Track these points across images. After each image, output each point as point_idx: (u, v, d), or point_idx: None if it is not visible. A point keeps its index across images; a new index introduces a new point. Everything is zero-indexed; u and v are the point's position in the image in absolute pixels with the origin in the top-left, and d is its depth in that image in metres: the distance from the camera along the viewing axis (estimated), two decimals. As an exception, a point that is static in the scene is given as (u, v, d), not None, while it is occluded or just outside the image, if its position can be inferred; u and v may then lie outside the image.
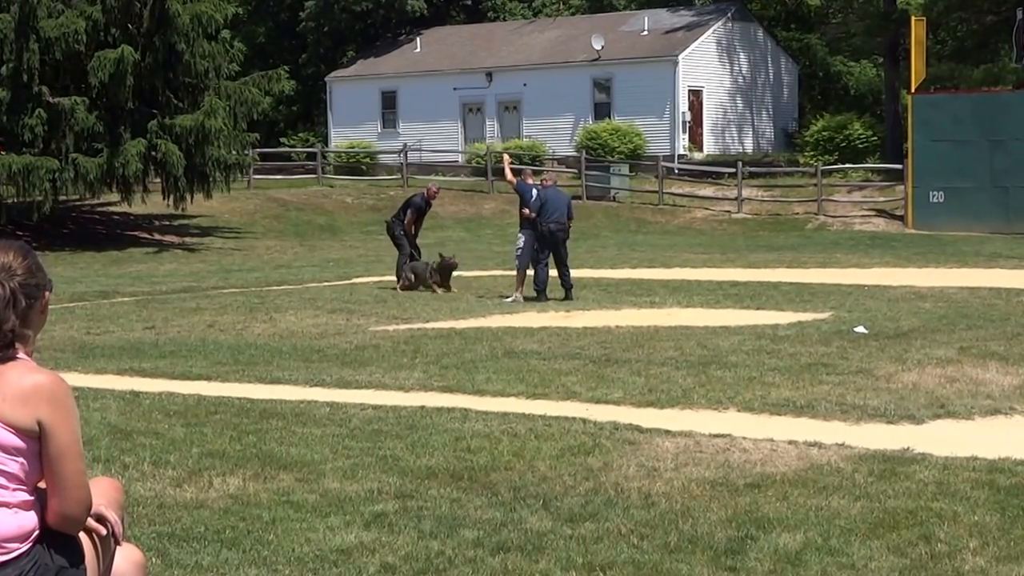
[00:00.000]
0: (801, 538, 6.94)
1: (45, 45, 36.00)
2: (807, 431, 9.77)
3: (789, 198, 46.04)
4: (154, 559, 6.60)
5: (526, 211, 21.66)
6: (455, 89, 58.03)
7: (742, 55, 57.40)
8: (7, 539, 4.07)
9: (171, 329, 17.65)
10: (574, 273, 22.34)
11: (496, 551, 6.79)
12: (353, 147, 56.98)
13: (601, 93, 55.42)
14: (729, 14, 57.10)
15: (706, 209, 46.22)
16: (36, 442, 4.08)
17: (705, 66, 55.28)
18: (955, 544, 6.82)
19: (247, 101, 39.40)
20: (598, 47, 54.79)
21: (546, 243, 21.34)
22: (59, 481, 4.10)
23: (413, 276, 23.48)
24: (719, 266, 28.13)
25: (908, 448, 9.12)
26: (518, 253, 22.02)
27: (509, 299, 21.40)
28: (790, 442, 9.35)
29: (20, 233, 36.09)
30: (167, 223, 41.96)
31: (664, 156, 49.96)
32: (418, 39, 61.94)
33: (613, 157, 50.99)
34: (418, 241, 24.84)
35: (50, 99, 36.06)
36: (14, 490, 4.09)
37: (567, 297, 21.24)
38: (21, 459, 4.08)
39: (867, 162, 47.96)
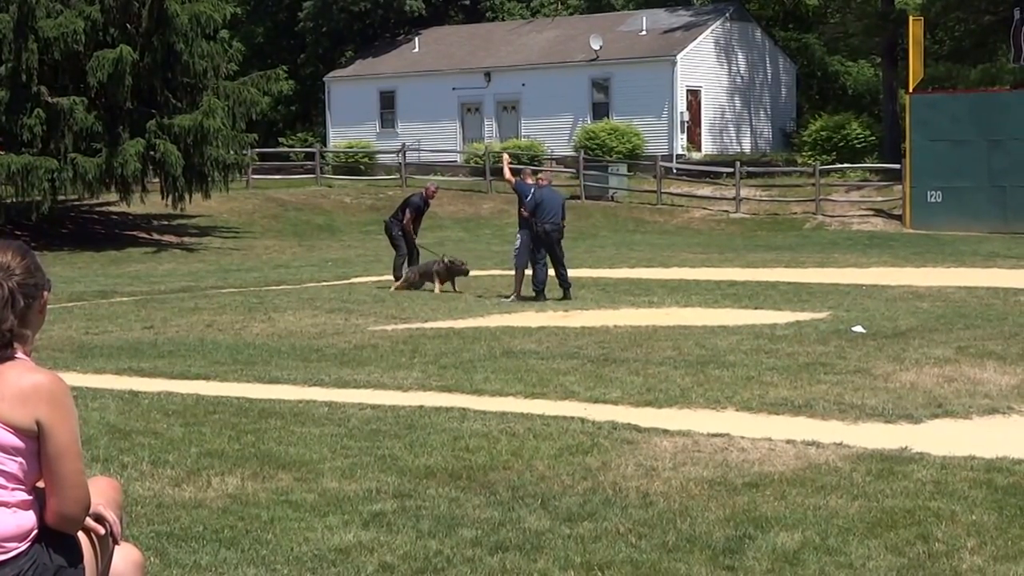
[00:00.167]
0: (799, 537, 6.95)
1: (44, 45, 35.99)
2: (805, 430, 9.77)
3: (787, 198, 46.04)
4: (153, 558, 6.60)
5: (524, 210, 21.69)
6: (453, 89, 58.04)
7: (740, 55, 57.41)
8: (6, 538, 4.07)
9: (170, 329, 17.65)
10: (572, 273, 22.34)
11: (494, 550, 6.80)
12: (352, 147, 56.97)
13: (599, 93, 55.42)
14: (727, 14, 57.11)
15: (704, 209, 46.22)
16: (35, 442, 4.08)
17: (703, 66, 55.28)
18: (953, 543, 6.83)
19: (246, 101, 39.39)
20: (596, 47, 54.80)
21: (541, 243, 21.36)
22: (58, 481, 4.10)
23: (419, 276, 23.45)
24: (717, 266, 28.14)
25: (906, 447, 9.13)
26: (516, 253, 22.03)
27: (508, 299, 21.42)
28: (788, 441, 9.36)
29: (19, 233, 36.08)
30: (166, 223, 41.95)
31: (662, 156, 49.97)
32: (416, 39, 61.95)
33: (611, 157, 50.99)
34: (417, 241, 24.81)
35: (49, 99, 36.05)
36: (13, 490, 4.10)
37: (565, 296, 21.24)
38: (20, 459, 4.08)
39: (865, 162, 47.96)
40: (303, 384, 12.56)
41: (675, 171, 50.03)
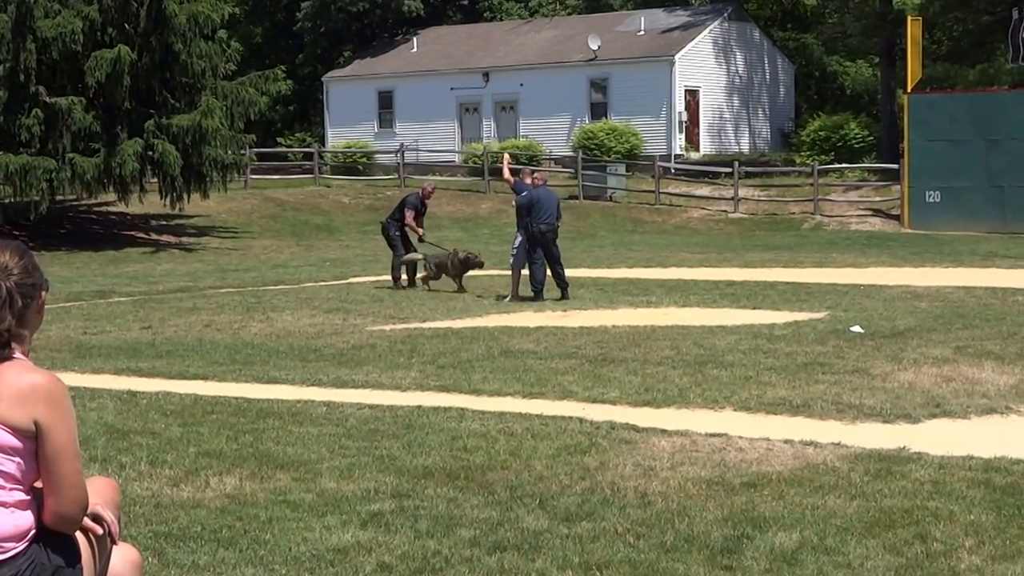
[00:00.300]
0: (797, 537, 6.95)
1: (42, 45, 35.98)
2: (803, 430, 9.78)
3: (785, 198, 46.05)
4: (151, 558, 6.60)
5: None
6: (452, 89, 58.03)
7: (738, 55, 57.41)
8: (3, 539, 4.07)
9: (168, 329, 17.65)
10: (571, 273, 22.33)
11: (492, 550, 6.80)
12: (350, 147, 56.96)
13: (597, 93, 55.43)
14: (725, 14, 57.11)
15: (703, 209, 46.22)
16: (33, 442, 4.08)
17: (701, 66, 55.29)
18: (951, 543, 6.83)
19: (244, 101, 39.39)
20: (594, 47, 54.80)
21: (536, 243, 21.35)
22: (56, 481, 4.10)
23: (435, 268, 23.38)
24: (716, 266, 28.14)
25: (904, 447, 9.13)
26: (514, 253, 22.03)
27: (506, 299, 21.43)
28: (786, 441, 9.36)
29: (17, 233, 36.07)
30: (164, 223, 41.95)
31: (661, 156, 49.99)
32: (415, 39, 61.94)
33: (610, 157, 50.97)
34: (425, 239, 24.62)
35: (47, 99, 36.04)
36: (11, 490, 4.10)
37: (563, 296, 21.23)
38: (18, 459, 4.08)
39: (863, 162, 47.96)
40: (301, 384, 12.56)
41: (673, 171, 50.04)
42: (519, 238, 21.81)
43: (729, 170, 46.73)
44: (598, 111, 54.94)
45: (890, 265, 27.64)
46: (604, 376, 12.61)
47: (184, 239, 39.61)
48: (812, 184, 44.98)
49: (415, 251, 24.36)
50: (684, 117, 54.06)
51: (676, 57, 53.76)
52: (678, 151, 53.21)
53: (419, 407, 10.93)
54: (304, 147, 58.97)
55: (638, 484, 8.18)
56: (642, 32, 56.38)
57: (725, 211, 45.80)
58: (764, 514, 7.40)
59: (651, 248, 34.95)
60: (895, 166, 43.46)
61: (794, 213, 44.77)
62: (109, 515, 4.32)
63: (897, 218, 42.25)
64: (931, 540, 6.88)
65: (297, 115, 67.09)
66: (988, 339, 14.94)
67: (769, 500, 7.73)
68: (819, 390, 11.58)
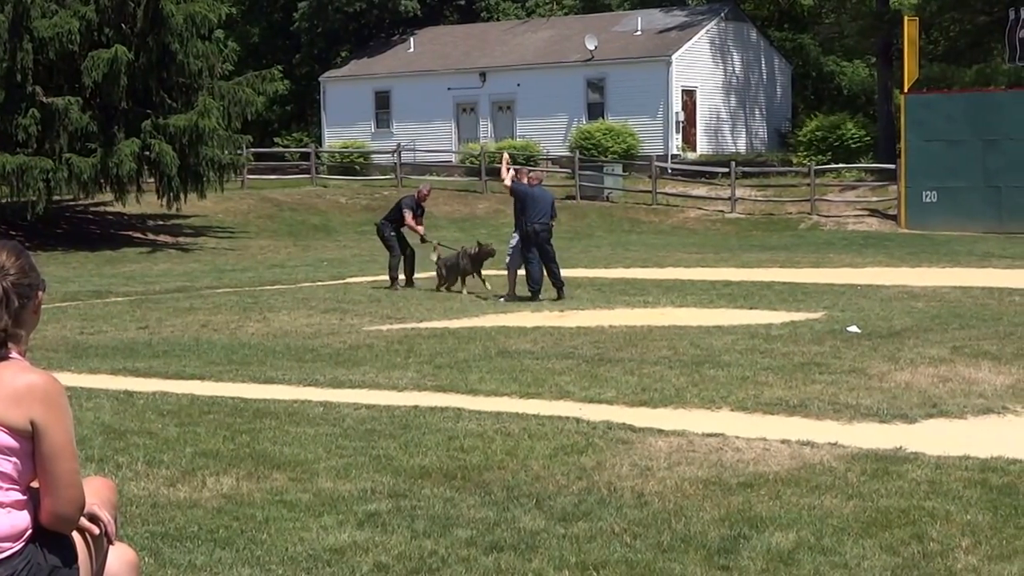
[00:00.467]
0: (794, 537, 6.95)
1: (39, 45, 35.96)
2: (800, 430, 9.78)
3: (782, 198, 46.06)
4: (147, 558, 6.60)
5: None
6: (449, 89, 58.03)
7: (735, 55, 57.44)
8: (0, 539, 4.07)
9: (165, 329, 17.64)
10: (568, 273, 22.33)
11: (489, 550, 6.80)
12: (347, 147, 56.98)
13: (594, 93, 55.44)
14: (722, 14, 57.13)
15: (699, 209, 46.23)
16: (29, 442, 4.08)
17: (698, 66, 55.31)
18: (947, 543, 6.83)
19: (241, 101, 39.36)
20: (591, 47, 54.82)
21: (530, 243, 21.34)
22: (52, 481, 4.10)
23: (445, 270, 23.29)
24: (712, 266, 28.14)
25: (901, 447, 9.13)
26: (510, 253, 22.03)
27: (502, 299, 21.43)
28: (783, 441, 9.36)
29: (13, 233, 36.03)
30: (161, 223, 41.93)
31: (658, 156, 50.00)
32: (411, 39, 61.95)
33: (607, 157, 50.98)
34: (429, 240, 24.54)
35: (44, 99, 36.02)
36: (7, 490, 4.10)
37: (559, 296, 21.22)
38: (14, 459, 4.08)
39: (860, 162, 48.01)
40: (298, 384, 12.55)
41: (670, 171, 50.05)
42: (515, 238, 21.81)
43: (726, 170, 46.77)
44: (595, 111, 54.96)
45: (887, 265, 27.65)
46: (601, 376, 12.61)
47: (181, 239, 39.59)
48: (809, 184, 45.02)
49: (412, 252, 24.30)
50: (681, 117, 54.08)
51: (673, 57, 53.79)
52: (675, 151, 53.23)
53: (416, 407, 10.92)
54: (301, 147, 58.98)
55: (635, 484, 8.18)
56: (639, 32, 56.41)
57: (722, 211, 45.81)
58: (761, 514, 7.40)
59: (648, 248, 34.96)
60: (892, 166, 43.50)
61: (791, 213, 44.79)
62: (106, 515, 4.32)
63: (894, 218, 42.28)
64: (928, 540, 6.88)
65: (294, 115, 67.09)
66: (985, 339, 14.94)
67: (766, 500, 7.73)
68: (816, 390, 11.58)
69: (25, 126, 35.54)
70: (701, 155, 54.25)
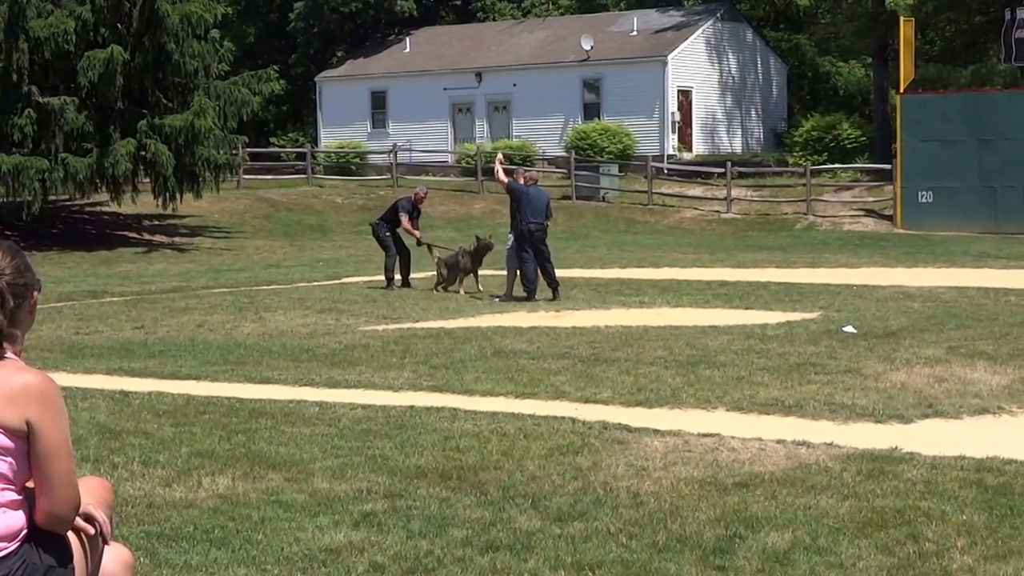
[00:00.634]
0: (789, 537, 6.95)
1: (35, 45, 35.92)
2: (795, 430, 9.78)
3: (778, 198, 46.08)
4: (143, 558, 6.60)
5: (501, 176, 21.85)
6: (445, 89, 58.03)
7: (731, 55, 57.46)
8: (-5, 538, 4.07)
9: (160, 329, 17.63)
10: (563, 273, 22.33)
11: (485, 550, 6.80)
12: (343, 147, 56.95)
13: (590, 93, 55.45)
14: (718, 14, 57.15)
15: (695, 209, 46.25)
16: (25, 442, 4.08)
17: (694, 66, 55.33)
18: (943, 543, 6.83)
19: (236, 101, 39.33)
20: (587, 47, 54.83)
21: (525, 242, 21.33)
22: (48, 480, 4.09)
23: (446, 270, 23.25)
24: (708, 266, 28.15)
25: (896, 447, 9.14)
26: (507, 253, 22.04)
27: (499, 298, 21.44)
28: (779, 441, 9.37)
29: (9, 233, 36.00)
30: (156, 223, 41.91)
31: (653, 156, 50.01)
32: (408, 39, 61.93)
33: (602, 157, 51.01)
34: (425, 242, 24.51)
35: (39, 99, 36.00)
36: (2, 490, 4.09)
37: (554, 296, 21.22)
38: (9, 459, 4.08)
39: (856, 162, 48.04)
40: (294, 384, 12.55)
41: (666, 171, 50.05)
42: (512, 238, 21.81)
43: (722, 170, 46.77)
44: (591, 111, 54.98)
45: (883, 265, 27.67)
46: (597, 376, 12.61)
47: (177, 239, 39.58)
48: (805, 184, 45.03)
49: (407, 252, 24.29)
50: (677, 117, 54.10)
51: (669, 57, 53.81)
52: (671, 151, 53.24)
53: (412, 407, 10.92)
54: (297, 147, 58.97)
55: (631, 484, 8.18)
56: (635, 32, 56.41)
57: (718, 211, 45.82)
58: (756, 514, 7.41)
59: (644, 248, 34.96)
60: (888, 166, 43.52)
61: (787, 213, 44.81)
62: (101, 515, 4.32)
63: (890, 218, 42.29)
64: (923, 540, 6.88)
65: (290, 115, 67.05)
66: (980, 339, 14.95)
67: (761, 500, 7.73)
68: (812, 390, 11.59)
69: (21, 126, 35.52)
70: (697, 155, 54.27)
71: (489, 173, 40.63)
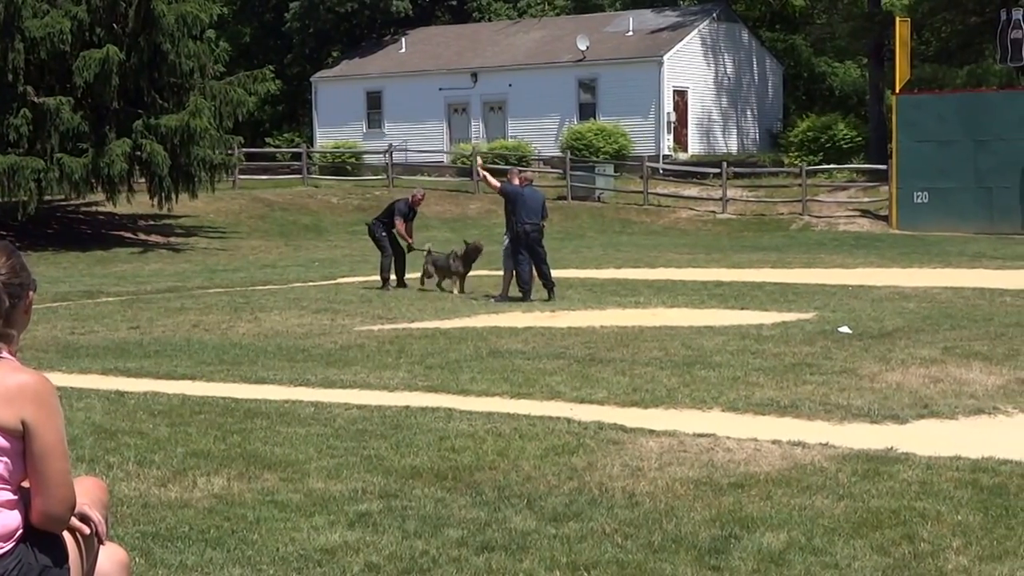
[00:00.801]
0: (785, 537, 6.96)
1: (30, 45, 35.90)
2: (791, 431, 9.79)
3: (774, 198, 46.10)
4: (138, 558, 6.59)
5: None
6: (440, 89, 58.01)
7: (727, 56, 57.47)
8: (-9, 538, 4.07)
9: (156, 329, 17.63)
10: (559, 273, 22.32)
11: (480, 550, 6.80)
12: (338, 147, 56.94)
13: (586, 93, 55.45)
14: (714, 15, 57.17)
15: (691, 209, 46.26)
16: (20, 442, 4.08)
17: (690, 66, 55.33)
18: (938, 543, 6.84)
19: (232, 101, 39.31)
20: (583, 47, 54.82)
21: (521, 243, 21.33)
22: (43, 480, 4.09)
23: (432, 268, 23.30)
24: (704, 266, 28.16)
25: (892, 448, 9.14)
26: (504, 254, 22.04)
27: (495, 298, 21.45)
28: (774, 442, 9.37)
29: (4, 233, 35.97)
30: (152, 223, 41.88)
31: (649, 156, 50.00)
32: (403, 39, 61.92)
33: (598, 157, 51.01)
34: (415, 246, 24.53)
35: (35, 99, 35.97)
36: (-2, 489, 4.10)
37: (550, 297, 21.22)
38: (5, 459, 4.08)
39: (851, 162, 48.07)
40: (289, 384, 12.55)
41: (662, 172, 50.07)
42: (508, 238, 21.81)
43: (717, 171, 46.78)
44: (587, 111, 54.97)
45: (878, 266, 27.68)
46: (592, 376, 12.61)
47: (172, 239, 39.56)
48: (800, 185, 45.06)
49: (403, 252, 24.29)
50: (672, 118, 54.10)
51: (664, 58, 53.81)
52: (666, 152, 53.24)
53: (407, 407, 10.92)
54: (292, 147, 58.91)
55: (626, 484, 8.18)
56: (630, 33, 56.41)
57: (713, 212, 45.83)
58: (752, 514, 7.41)
59: (639, 249, 34.96)
60: (883, 167, 43.54)
61: (782, 214, 44.82)
62: (96, 515, 4.32)
63: (885, 219, 42.32)
64: (918, 540, 6.89)
65: (285, 115, 67.05)
66: (976, 340, 14.96)
67: (757, 500, 7.73)
68: (807, 391, 11.59)
69: (16, 126, 35.48)
70: (692, 155, 54.26)
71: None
